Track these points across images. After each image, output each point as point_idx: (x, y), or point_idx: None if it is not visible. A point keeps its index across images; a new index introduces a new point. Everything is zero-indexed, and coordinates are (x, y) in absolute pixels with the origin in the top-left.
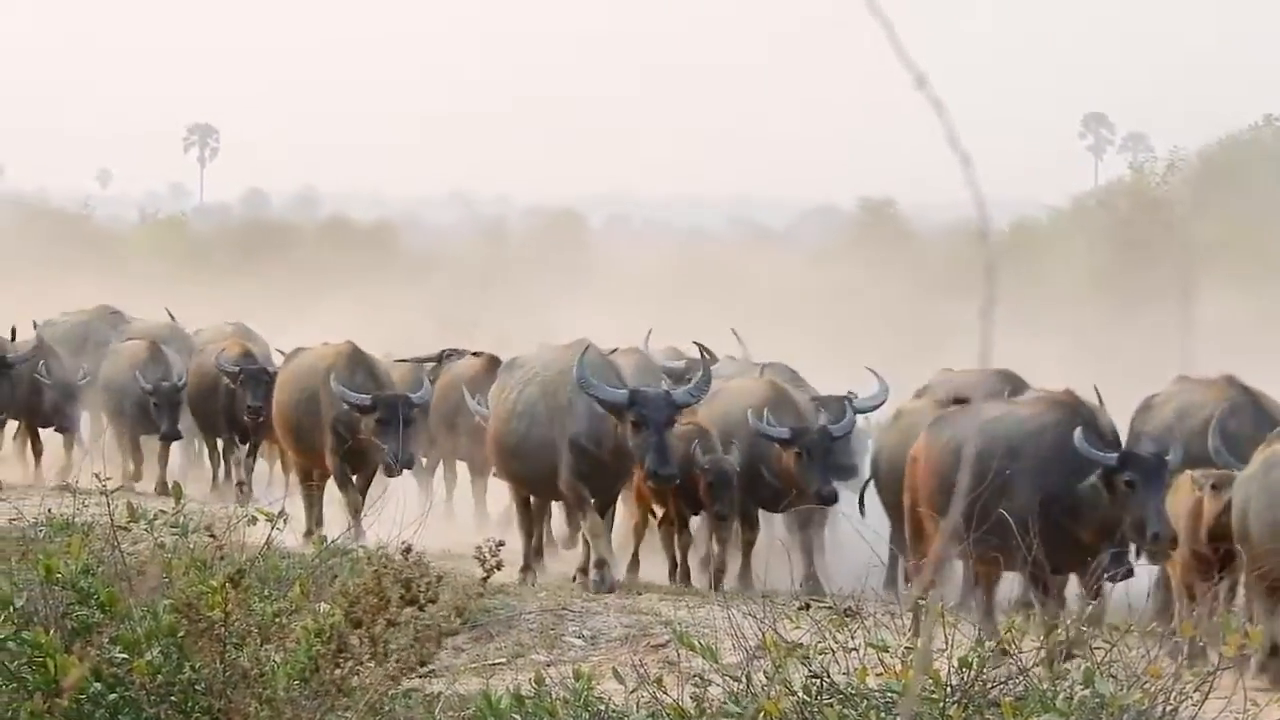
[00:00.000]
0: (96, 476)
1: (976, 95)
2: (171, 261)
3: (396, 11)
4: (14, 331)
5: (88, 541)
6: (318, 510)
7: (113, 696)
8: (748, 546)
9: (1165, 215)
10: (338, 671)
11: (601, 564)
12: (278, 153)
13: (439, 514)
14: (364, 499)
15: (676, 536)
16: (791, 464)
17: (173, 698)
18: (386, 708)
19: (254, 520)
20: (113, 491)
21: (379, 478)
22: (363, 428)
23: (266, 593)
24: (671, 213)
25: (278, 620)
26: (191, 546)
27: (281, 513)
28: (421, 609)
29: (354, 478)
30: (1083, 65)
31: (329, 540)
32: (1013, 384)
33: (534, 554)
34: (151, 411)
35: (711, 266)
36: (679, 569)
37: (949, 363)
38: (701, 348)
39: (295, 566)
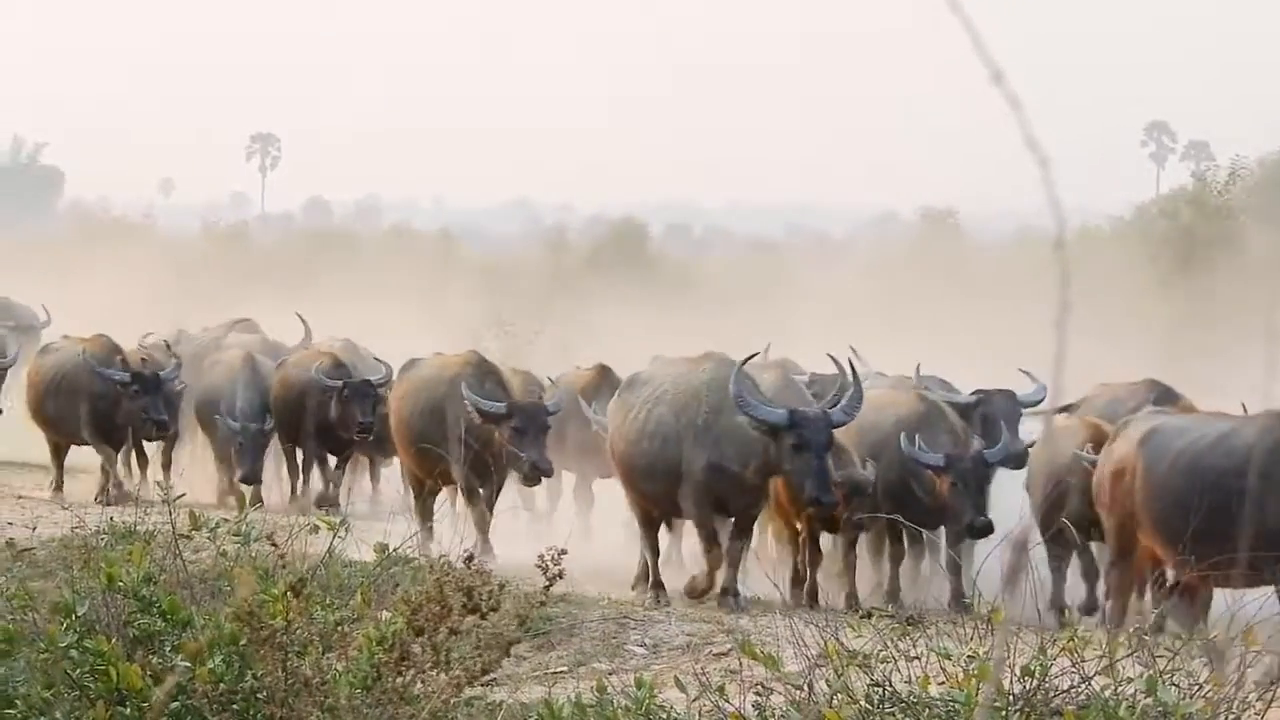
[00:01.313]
0: (159, 485)
1: (1037, 103)
2: (233, 270)
3: (458, 25)
4: (168, 344)
5: (149, 550)
6: (430, 524)
7: (175, 705)
8: (894, 563)
9: (1227, 224)
10: (400, 680)
11: (726, 591)
12: (339, 162)
13: (542, 525)
14: (491, 513)
15: (808, 553)
16: (945, 491)
17: (235, 706)
18: (449, 716)
19: (316, 529)
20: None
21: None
22: (498, 437)
23: (328, 601)
24: (732, 221)
25: (340, 628)
26: (253, 555)
27: (343, 521)
28: (484, 617)
29: (480, 490)
30: (1145, 73)
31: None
32: (1162, 394)
33: (651, 572)
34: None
35: (771, 275)
36: (807, 585)
37: (1008, 373)
38: (842, 360)
39: (357, 575)
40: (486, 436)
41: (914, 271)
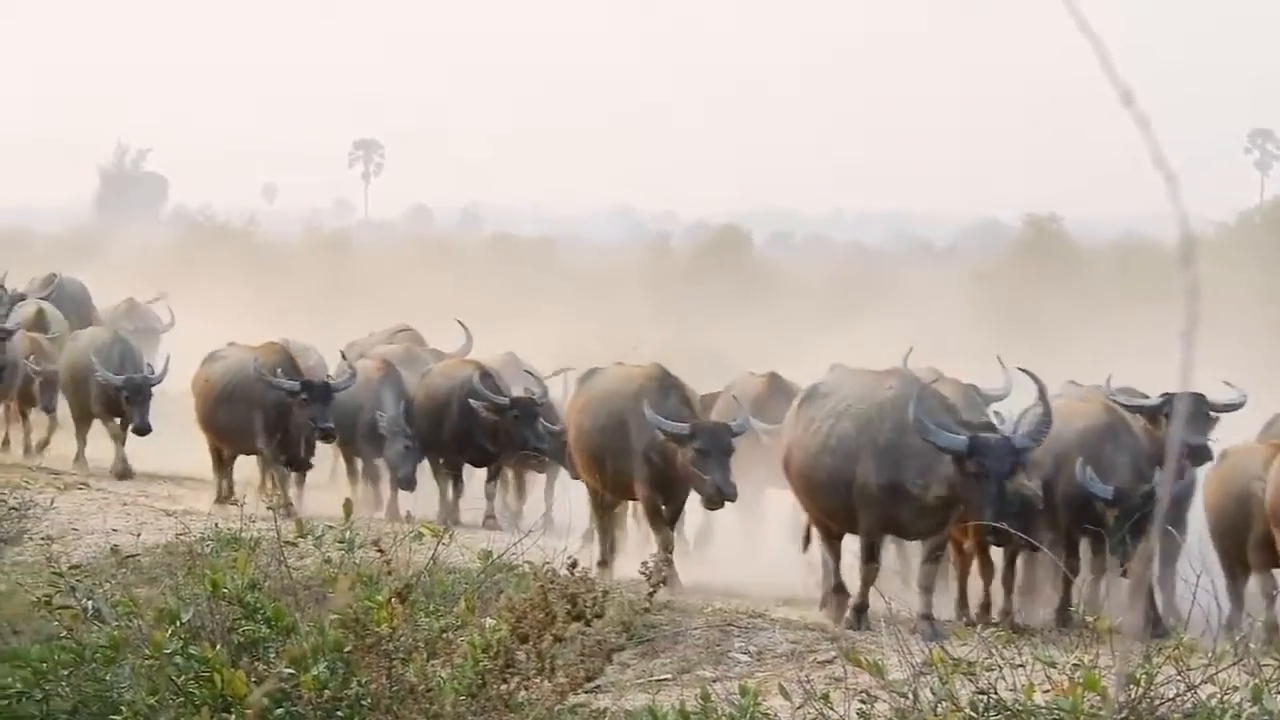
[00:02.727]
0: (262, 491)
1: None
2: (335, 277)
3: (560, 30)
4: (343, 354)
5: (254, 556)
6: (610, 539)
7: (279, 711)
8: (1067, 583)
9: None
10: (504, 687)
11: (928, 617)
12: (441, 169)
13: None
14: (675, 532)
15: (979, 568)
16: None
17: (339, 713)
18: None
19: (420, 536)
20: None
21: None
22: (680, 458)
23: (432, 608)
24: (833, 228)
25: (444, 635)
26: (357, 562)
27: (447, 528)
28: (588, 624)
29: (663, 509)
30: (1248, 80)
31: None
32: None
33: (835, 589)
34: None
35: (874, 282)
36: (982, 601)
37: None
38: (1033, 376)
39: (461, 582)
40: (671, 453)
41: (1018, 278)
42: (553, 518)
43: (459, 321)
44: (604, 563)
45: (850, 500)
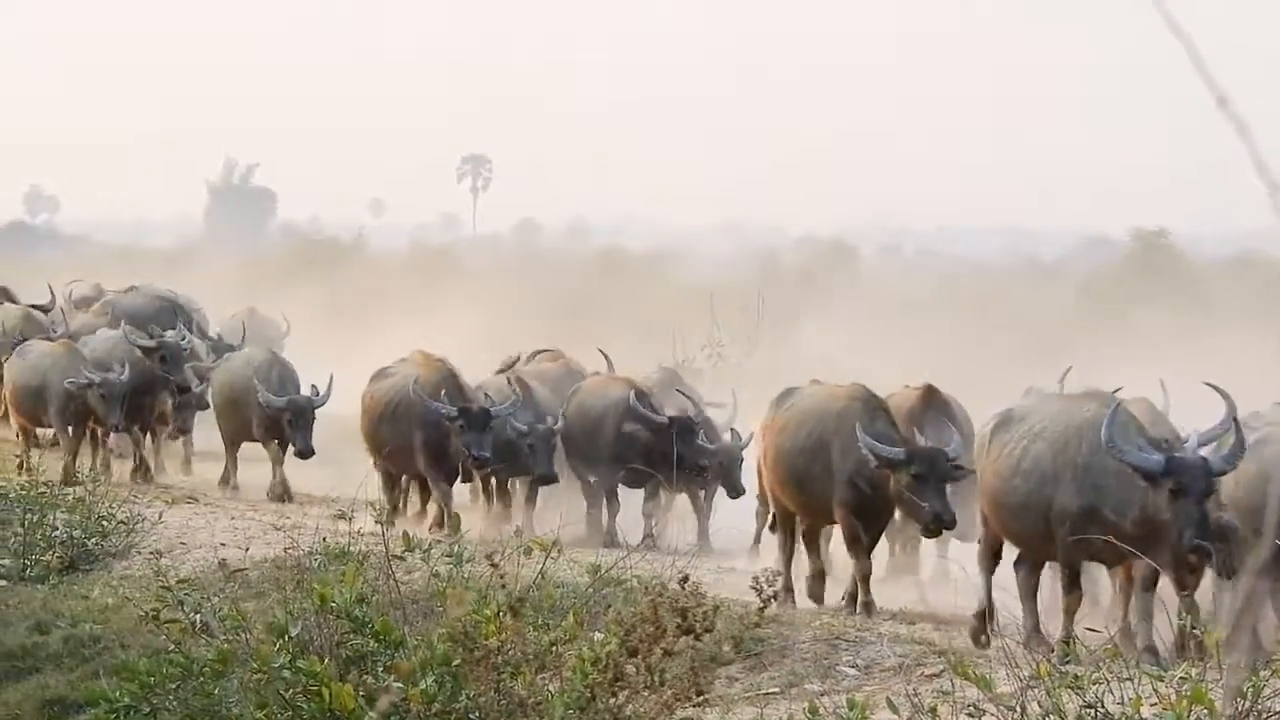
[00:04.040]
0: (371, 505)
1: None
2: (442, 290)
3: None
4: (508, 379)
5: (362, 570)
6: (818, 563)
7: None
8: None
9: None
10: (613, 700)
11: (1151, 650)
12: (550, 182)
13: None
14: (871, 562)
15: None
16: None
17: None
18: None
19: (529, 551)
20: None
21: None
22: (893, 483)
23: (541, 621)
24: (942, 242)
25: (553, 649)
26: (465, 576)
27: (556, 542)
28: (697, 638)
29: (863, 536)
30: None
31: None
32: None
33: (1035, 623)
34: (524, 452)
35: (982, 297)
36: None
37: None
38: (1224, 395)
39: (569, 595)
40: (881, 478)
41: (1127, 293)
42: (709, 537)
43: (600, 351)
44: (789, 588)
45: (1046, 526)
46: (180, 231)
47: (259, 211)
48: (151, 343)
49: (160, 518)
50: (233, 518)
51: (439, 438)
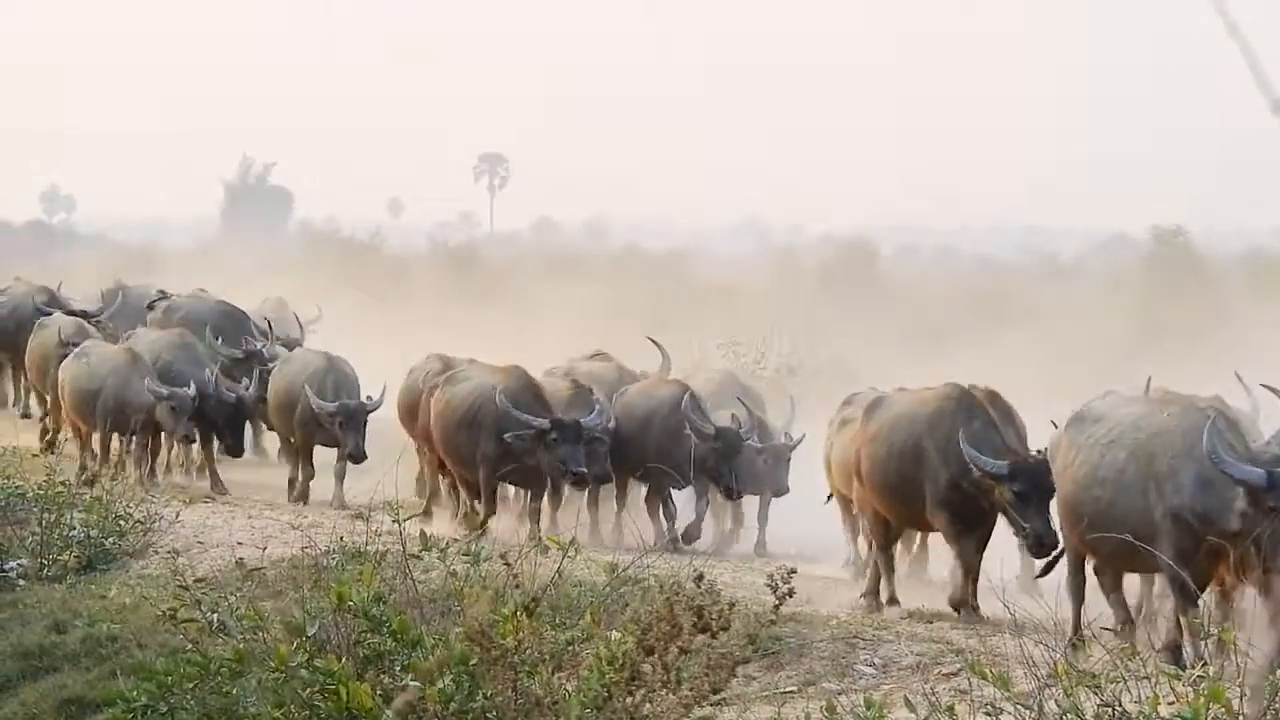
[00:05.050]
0: (388, 505)
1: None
2: (461, 290)
3: (684, 44)
4: (591, 390)
5: (379, 570)
6: (892, 576)
7: None
8: None
9: None
10: (630, 699)
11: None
12: (567, 181)
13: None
14: (980, 566)
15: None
16: None
17: None
18: None
19: (546, 549)
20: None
21: None
22: (997, 495)
23: (558, 621)
24: (962, 242)
25: (570, 648)
26: (483, 575)
27: (573, 541)
28: (714, 637)
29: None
30: None
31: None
32: None
33: (1129, 624)
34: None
35: (1002, 296)
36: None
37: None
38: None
39: (587, 595)
40: (986, 486)
41: (1146, 291)
42: (765, 542)
43: (651, 340)
44: (894, 600)
45: (1128, 535)
46: (197, 231)
47: (276, 211)
48: (240, 353)
49: (177, 517)
50: (250, 517)
51: (522, 448)
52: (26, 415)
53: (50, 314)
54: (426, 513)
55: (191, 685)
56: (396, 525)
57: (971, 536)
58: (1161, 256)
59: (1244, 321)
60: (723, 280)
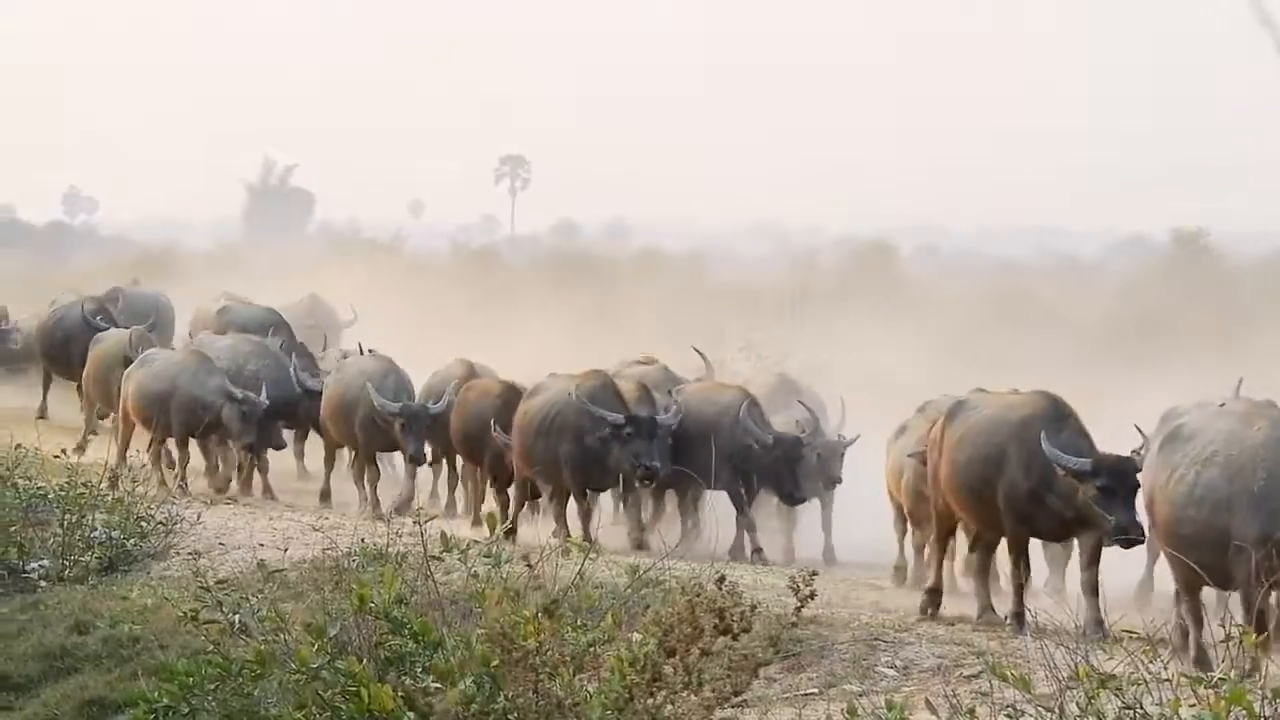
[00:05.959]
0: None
1: None
2: (482, 291)
3: (705, 45)
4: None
5: (400, 571)
6: (986, 591)
7: None
8: None
9: None
10: (651, 701)
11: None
12: (588, 183)
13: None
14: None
15: None
16: None
17: None
18: None
19: (568, 551)
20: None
21: None
22: (1080, 495)
23: (579, 622)
24: (981, 243)
25: (591, 650)
26: (504, 577)
27: (594, 543)
28: (735, 638)
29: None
30: None
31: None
32: None
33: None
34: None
35: (1021, 298)
36: None
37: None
38: None
39: (607, 596)
40: (1070, 490)
41: (1166, 293)
42: (833, 548)
43: (696, 349)
44: (990, 608)
45: (1225, 557)
46: (219, 233)
47: (297, 212)
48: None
49: (199, 519)
50: (271, 518)
51: (596, 447)
52: (42, 416)
53: (105, 328)
54: (476, 522)
55: (213, 686)
56: (417, 527)
57: (1025, 550)
58: (1182, 258)
59: (1265, 324)
60: (741, 282)
